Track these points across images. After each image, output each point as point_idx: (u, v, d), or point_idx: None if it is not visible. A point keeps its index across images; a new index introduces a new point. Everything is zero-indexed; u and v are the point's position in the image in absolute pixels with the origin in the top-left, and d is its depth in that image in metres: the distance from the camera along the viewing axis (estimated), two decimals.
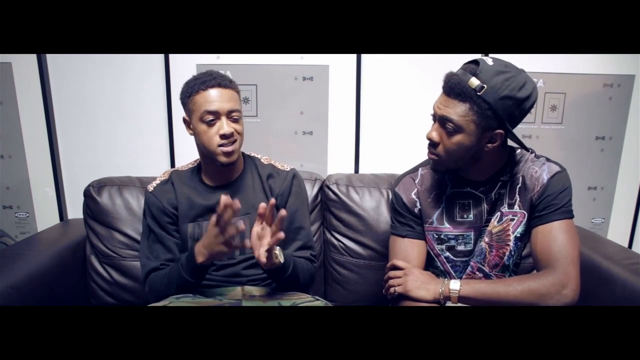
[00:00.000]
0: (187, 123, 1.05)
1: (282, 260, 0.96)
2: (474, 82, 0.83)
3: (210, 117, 0.98)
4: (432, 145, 0.93)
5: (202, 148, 1.03)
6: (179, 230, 1.08)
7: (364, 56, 1.52)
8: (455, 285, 0.90)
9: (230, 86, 1.01)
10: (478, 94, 0.83)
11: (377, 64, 1.54)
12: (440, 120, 0.89)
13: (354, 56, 1.52)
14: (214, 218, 0.88)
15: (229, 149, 1.00)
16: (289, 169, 1.15)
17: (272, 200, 0.92)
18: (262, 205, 0.91)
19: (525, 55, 1.49)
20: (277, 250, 0.96)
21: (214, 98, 0.98)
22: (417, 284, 0.94)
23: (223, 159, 1.01)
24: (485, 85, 0.82)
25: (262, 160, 1.16)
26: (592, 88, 1.59)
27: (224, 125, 0.98)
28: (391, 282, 0.98)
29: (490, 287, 0.89)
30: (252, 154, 1.18)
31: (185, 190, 1.09)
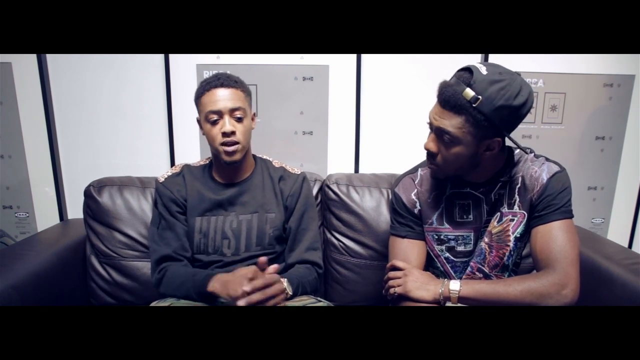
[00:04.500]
0: (199, 123, 1.09)
1: (290, 292, 0.98)
2: (469, 93, 0.81)
3: (214, 117, 1.02)
4: (431, 155, 0.93)
5: (210, 147, 1.07)
6: (187, 223, 1.10)
7: (364, 56, 1.52)
8: (455, 285, 0.90)
9: (234, 86, 1.04)
10: (473, 105, 0.81)
11: (377, 64, 1.54)
12: (437, 131, 0.89)
13: (354, 56, 1.52)
14: (250, 272, 0.89)
15: (230, 149, 1.02)
16: (299, 173, 1.19)
17: (264, 259, 0.93)
18: (263, 259, 0.92)
19: (525, 55, 1.50)
20: (285, 284, 0.97)
21: (217, 97, 1.02)
22: (417, 285, 0.93)
23: (225, 157, 1.04)
24: (480, 97, 0.81)
25: (273, 163, 1.20)
26: (592, 88, 1.59)
27: (226, 123, 1.01)
28: (391, 282, 0.98)
29: (490, 287, 0.89)
30: (264, 157, 1.22)
31: (195, 184, 1.11)
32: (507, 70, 0.85)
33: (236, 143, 1.03)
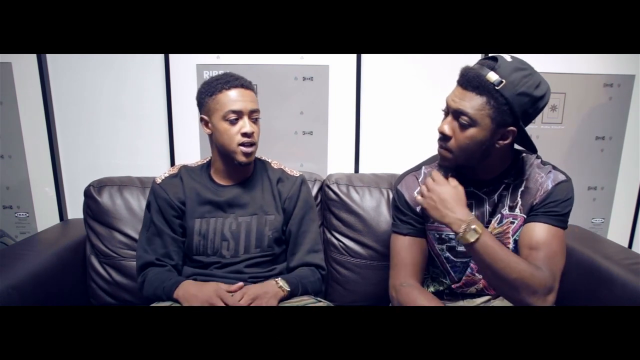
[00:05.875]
0: (205, 122, 1.07)
1: (288, 288, 1.01)
2: (493, 76, 0.83)
3: (234, 117, 1.02)
4: (444, 139, 0.92)
5: (221, 147, 1.06)
6: (185, 226, 1.09)
7: (364, 56, 1.52)
8: (478, 229, 0.86)
9: (251, 87, 1.06)
10: (496, 88, 0.83)
11: (377, 64, 1.54)
12: (455, 113, 0.88)
13: (354, 56, 1.52)
14: (225, 295, 0.94)
15: (248, 149, 1.04)
16: (297, 175, 1.19)
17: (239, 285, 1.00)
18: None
19: (526, 55, 1.49)
20: (281, 282, 1.01)
21: (238, 98, 1.02)
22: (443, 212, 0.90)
23: (242, 158, 1.04)
24: (504, 80, 0.83)
25: (272, 164, 1.20)
26: (592, 88, 1.59)
27: (246, 124, 1.02)
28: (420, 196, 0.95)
29: (505, 253, 0.86)
30: (263, 158, 1.21)
31: (193, 185, 1.11)
32: (530, 64, 0.88)
33: (253, 144, 1.05)
